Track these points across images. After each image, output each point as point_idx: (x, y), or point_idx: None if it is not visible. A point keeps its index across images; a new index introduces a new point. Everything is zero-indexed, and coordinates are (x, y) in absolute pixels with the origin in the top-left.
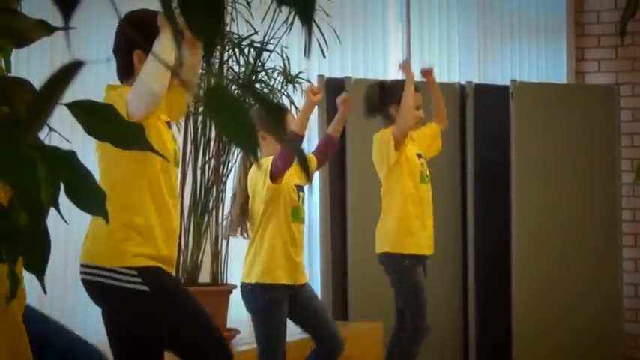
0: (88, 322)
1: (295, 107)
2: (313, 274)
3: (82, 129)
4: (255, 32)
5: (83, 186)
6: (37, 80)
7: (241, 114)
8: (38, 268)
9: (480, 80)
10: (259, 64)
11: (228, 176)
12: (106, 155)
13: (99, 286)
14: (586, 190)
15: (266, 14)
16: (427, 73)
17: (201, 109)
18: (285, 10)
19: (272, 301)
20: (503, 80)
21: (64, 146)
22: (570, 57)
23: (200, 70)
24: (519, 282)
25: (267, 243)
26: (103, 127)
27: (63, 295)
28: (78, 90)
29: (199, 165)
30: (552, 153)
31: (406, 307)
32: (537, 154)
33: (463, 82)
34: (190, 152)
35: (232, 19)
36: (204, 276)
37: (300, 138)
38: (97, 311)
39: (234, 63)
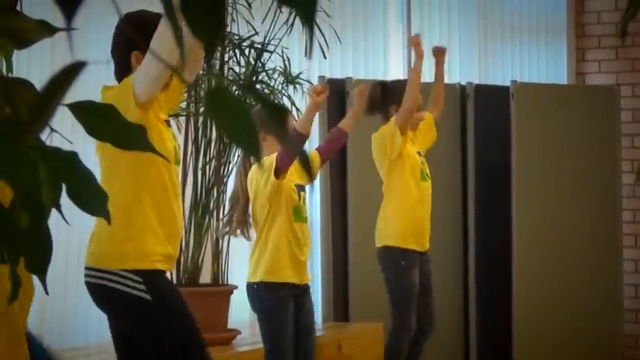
0: (89, 323)
1: (296, 108)
2: (314, 275)
3: (83, 130)
4: (256, 33)
5: (85, 187)
6: (38, 80)
7: (243, 115)
8: (40, 269)
9: (481, 81)
10: (260, 64)
11: (229, 177)
12: (107, 156)
13: (102, 290)
14: (586, 191)
15: (267, 15)
16: (439, 52)
17: (202, 109)
18: (285, 10)
19: (277, 301)
20: (503, 81)
21: (65, 147)
22: (571, 58)
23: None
24: (520, 282)
25: (271, 243)
26: (103, 128)
27: (64, 297)
28: (78, 90)
29: (200, 165)
30: (553, 154)
31: (395, 306)
32: (538, 155)
33: (464, 82)
34: (191, 153)
35: (233, 19)
36: (205, 276)
37: (304, 137)
38: (97, 312)
39: (234, 64)
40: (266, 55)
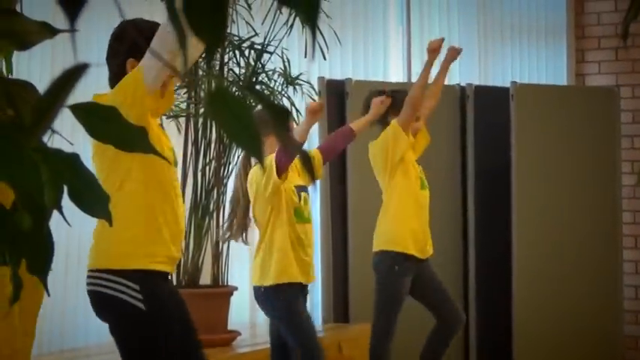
0: (89, 324)
1: (296, 109)
2: (314, 277)
3: (84, 131)
4: (256, 34)
5: (86, 188)
6: (38, 81)
7: (244, 116)
8: (41, 271)
9: (481, 82)
10: (260, 65)
11: (228, 178)
12: (107, 157)
13: (100, 297)
14: (586, 192)
15: (266, 16)
16: (454, 51)
17: (202, 110)
18: (285, 11)
19: (288, 301)
20: (503, 82)
21: (66, 148)
22: (571, 59)
23: (201, 71)
24: (520, 283)
25: (275, 245)
26: (105, 129)
27: (64, 298)
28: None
29: (200, 167)
30: (553, 155)
31: (377, 305)
32: (538, 156)
33: (463, 84)
34: (191, 154)
35: (233, 20)
36: (205, 278)
37: (300, 145)
38: None
39: (234, 65)
40: (266, 56)
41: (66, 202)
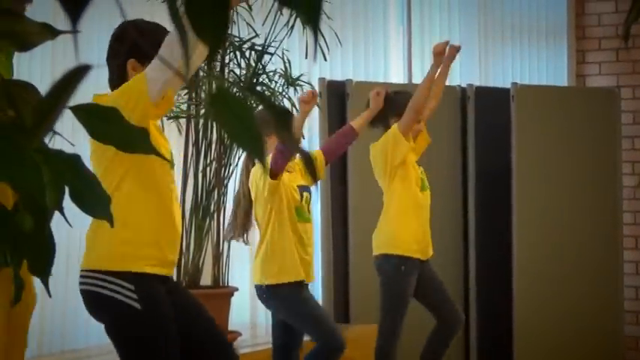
0: (90, 325)
1: (297, 110)
2: (315, 276)
3: (84, 132)
4: (257, 35)
5: (87, 189)
6: (39, 82)
7: (246, 116)
8: (42, 272)
9: (481, 83)
10: (260, 66)
11: (229, 179)
12: (105, 158)
13: (95, 297)
14: (587, 193)
15: (267, 17)
16: (453, 50)
17: (202, 112)
18: (286, 12)
19: (292, 296)
20: (504, 83)
21: (67, 149)
22: (571, 60)
23: (202, 72)
24: (520, 284)
25: (276, 244)
26: (106, 130)
27: (64, 299)
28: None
29: (201, 168)
30: (553, 156)
31: (384, 306)
32: (538, 157)
33: (464, 84)
34: (192, 155)
35: (233, 21)
36: (206, 279)
37: (302, 146)
38: None
39: (235, 66)
40: (266, 57)
41: (66, 202)
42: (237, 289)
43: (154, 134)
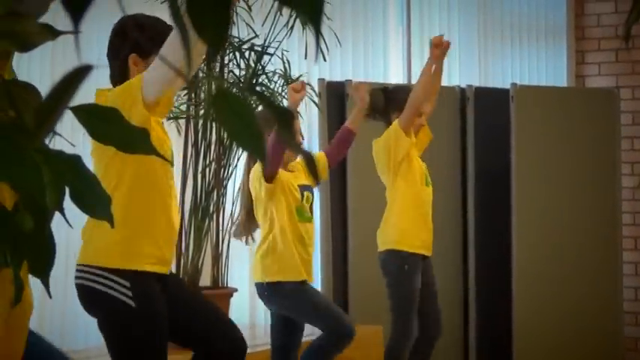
0: (90, 325)
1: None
2: (314, 277)
3: (84, 132)
4: (256, 35)
5: (88, 189)
6: (38, 82)
7: (246, 115)
8: (43, 272)
9: (481, 84)
10: (260, 67)
11: (228, 180)
12: (104, 157)
13: (90, 292)
14: (586, 194)
15: (267, 17)
16: (447, 44)
17: (202, 112)
18: (285, 13)
19: (294, 291)
20: (503, 84)
21: (67, 149)
22: (571, 60)
23: (201, 73)
24: (520, 285)
25: (278, 243)
26: (106, 131)
27: (64, 299)
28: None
29: (200, 168)
30: (553, 156)
31: (394, 309)
32: (538, 158)
33: (463, 85)
34: (191, 155)
35: (233, 22)
36: (205, 279)
37: (303, 146)
38: None
39: (234, 66)
40: (266, 57)
41: (66, 203)
42: (236, 290)
43: (157, 131)
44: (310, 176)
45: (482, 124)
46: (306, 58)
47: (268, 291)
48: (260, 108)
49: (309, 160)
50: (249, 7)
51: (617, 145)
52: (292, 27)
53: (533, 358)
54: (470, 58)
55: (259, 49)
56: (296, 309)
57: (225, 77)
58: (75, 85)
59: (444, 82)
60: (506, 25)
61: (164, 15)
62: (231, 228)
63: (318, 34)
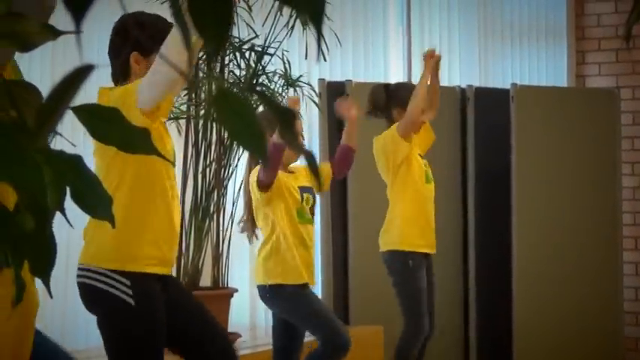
0: (90, 325)
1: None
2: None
3: (85, 132)
4: (256, 36)
5: (89, 190)
6: (38, 82)
7: (247, 114)
8: (44, 272)
9: (481, 84)
10: (260, 67)
11: (229, 180)
12: (106, 156)
13: (92, 290)
14: (587, 194)
15: (267, 18)
16: (438, 57)
17: (202, 112)
18: (286, 13)
19: (295, 295)
20: (503, 84)
21: (67, 149)
22: (571, 60)
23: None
24: (520, 285)
25: (280, 245)
26: (107, 131)
27: (64, 299)
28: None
29: (200, 169)
30: (553, 156)
31: (404, 310)
32: (538, 158)
33: (464, 85)
34: (191, 156)
35: (233, 22)
36: (205, 280)
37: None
38: None
39: (235, 67)
40: (266, 57)
41: (67, 203)
42: (236, 291)
43: (160, 131)
44: (312, 177)
45: (483, 124)
46: (306, 58)
47: (270, 293)
48: (261, 108)
49: (311, 160)
50: (250, 7)
51: (618, 145)
52: (292, 27)
53: (533, 358)
54: (470, 58)
55: (259, 49)
56: (295, 313)
57: (226, 77)
58: (76, 84)
59: (445, 83)
60: (507, 25)
61: (164, 15)
62: (231, 228)
63: (319, 34)
